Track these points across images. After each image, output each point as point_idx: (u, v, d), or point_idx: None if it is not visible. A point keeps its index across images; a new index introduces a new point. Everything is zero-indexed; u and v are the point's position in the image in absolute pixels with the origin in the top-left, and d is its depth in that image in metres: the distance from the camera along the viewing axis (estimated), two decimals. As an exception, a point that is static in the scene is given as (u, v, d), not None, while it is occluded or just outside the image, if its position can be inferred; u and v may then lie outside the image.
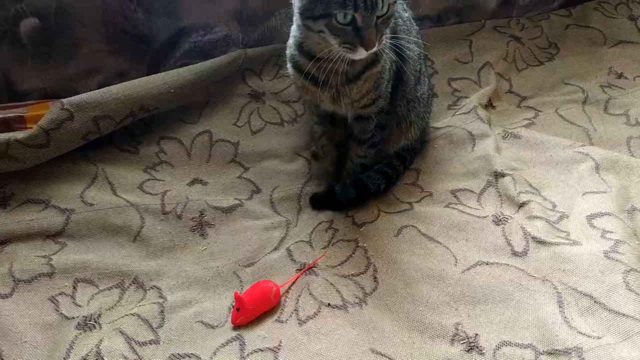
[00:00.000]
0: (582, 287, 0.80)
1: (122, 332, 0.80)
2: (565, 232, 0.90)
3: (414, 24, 1.04)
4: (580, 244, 0.86)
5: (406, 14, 0.99)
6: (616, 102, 1.21)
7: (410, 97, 1.01)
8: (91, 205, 0.97)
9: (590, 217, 0.91)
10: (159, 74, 1.11)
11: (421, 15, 1.33)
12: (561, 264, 0.84)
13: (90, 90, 1.07)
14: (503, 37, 1.36)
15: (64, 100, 1.00)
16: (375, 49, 0.79)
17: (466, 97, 1.23)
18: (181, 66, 1.17)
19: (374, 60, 0.88)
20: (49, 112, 0.99)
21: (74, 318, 0.83)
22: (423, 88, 1.05)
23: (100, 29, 1.12)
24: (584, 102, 1.21)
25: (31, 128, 1.00)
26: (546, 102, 1.23)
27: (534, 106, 1.22)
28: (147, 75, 1.13)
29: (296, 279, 0.88)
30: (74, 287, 0.87)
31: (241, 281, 0.91)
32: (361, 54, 0.79)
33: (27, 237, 0.92)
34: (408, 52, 0.93)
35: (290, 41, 0.92)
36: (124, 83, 1.06)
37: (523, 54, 1.33)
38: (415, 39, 1.00)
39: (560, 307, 0.79)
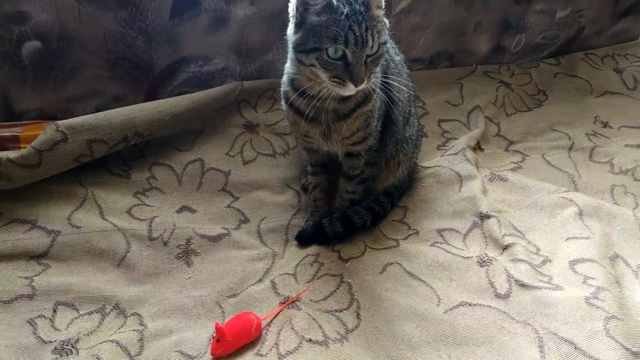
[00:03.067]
0: (563, 333, 0.80)
1: (99, 359, 0.78)
2: (548, 276, 0.91)
3: (405, 67, 1.07)
4: (562, 289, 0.87)
5: (398, 58, 1.02)
6: (601, 150, 1.24)
7: (399, 137, 1.03)
8: (78, 227, 0.97)
9: (573, 263, 0.92)
10: (155, 101, 1.13)
11: (414, 57, 1.37)
12: (543, 309, 0.84)
13: (87, 113, 1.09)
14: (493, 82, 1.40)
15: (59, 122, 1.01)
16: (363, 85, 0.81)
17: (455, 139, 1.25)
18: (178, 94, 1.19)
19: (365, 99, 0.90)
20: (43, 132, 1.00)
21: (51, 342, 0.81)
22: (412, 129, 1.07)
23: (102, 54, 1.14)
24: (570, 149, 1.24)
25: (25, 148, 1.01)
26: (533, 147, 1.26)
27: (521, 150, 1.25)
28: (144, 102, 1.15)
29: (278, 312, 0.88)
30: (54, 310, 0.86)
31: (223, 312, 0.90)
32: (350, 89, 0.82)
33: (10, 257, 0.92)
34: (397, 94, 0.96)
35: (284, 78, 0.94)
36: (119, 108, 1.08)
37: (512, 100, 1.37)
38: (406, 82, 1.03)
39: (541, 351, 0.79)
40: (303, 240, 1.02)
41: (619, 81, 1.42)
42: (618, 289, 0.87)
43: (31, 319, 0.84)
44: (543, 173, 1.18)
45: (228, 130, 1.20)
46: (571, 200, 1.05)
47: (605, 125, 1.31)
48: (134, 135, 1.07)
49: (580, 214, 1.02)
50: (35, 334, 0.82)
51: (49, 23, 1.07)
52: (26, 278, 0.89)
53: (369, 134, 0.94)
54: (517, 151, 1.25)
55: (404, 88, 0.99)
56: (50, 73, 1.13)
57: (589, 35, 1.51)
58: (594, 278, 0.88)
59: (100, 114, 1.05)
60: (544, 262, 0.94)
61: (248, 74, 1.26)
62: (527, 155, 1.23)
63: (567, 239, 0.98)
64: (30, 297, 0.87)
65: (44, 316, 0.85)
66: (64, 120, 1.02)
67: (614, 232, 0.98)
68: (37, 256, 0.92)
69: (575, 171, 1.18)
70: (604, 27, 1.51)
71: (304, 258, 0.98)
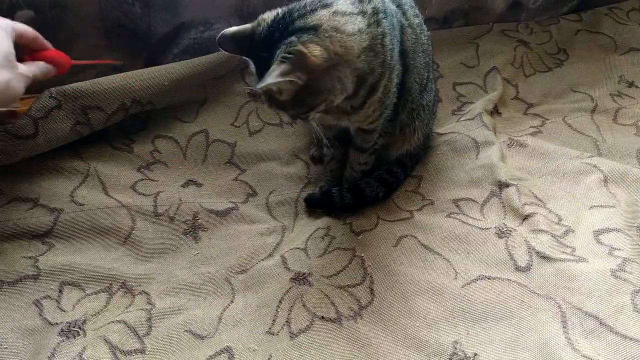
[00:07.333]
0: (587, 307, 0.77)
1: (106, 341, 0.77)
2: (570, 247, 0.87)
3: (425, 29, 0.98)
4: (587, 260, 0.83)
5: (417, 20, 0.94)
6: (626, 111, 1.17)
7: (414, 106, 0.96)
8: (81, 205, 0.94)
9: (598, 233, 0.87)
10: (152, 67, 1.07)
11: (428, 16, 1.29)
12: (566, 282, 0.80)
13: (85, 85, 1.04)
14: (511, 41, 1.32)
15: (52, 88, 0.97)
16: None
17: (471, 103, 1.19)
18: (179, 62, 1.14)
19: (374, 86, 0.81)
20: (37, 99, 0.96)
21: (57, 324, 0.79)
22: (429, 96, 1.00)
23: (97, 23, 1.08)
24: (593, 111, 1.18)
25: (22, 121, 0.97)
26: (553, 109, 1.19)
27: (540, 114, 1.19)
28: (142, 71, 1.10)
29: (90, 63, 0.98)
30: (60, 291, 0.84)
31: (233, 288, 0.87)
32: None
33: (13, 236, 0.89)
34: (412, 62, 0.89)
35: None
36: (115, 75, 1.03)
37: (531, 60, 1.30)
38: (424, 48, 0.95)
39: (564, 327, 0.76)
40: (311, 204, 0.99)
41: (646, 37, 1.34)
42: (645, 260, 0.83)
43: (37, 300, 0.82)
44: (564, 137, 1.12)
45: (232, 100, 1.15)
46: (595, 166, 0.99)
47: (631, 84, 1.24)
48: (132, 103, 1.02)
49: (605, 180, 0.96)
50: (41, 315, 0.80)
51: (40, -11, 1.01)
52: (30, 258, 0.87)
53: (386, 108, 0.88)
54: (537, 114, 1.18)
55: (420, 54, 0.93)
56: (46, 44, 1.08)
57: (613, -13, 1.42)
58: (620, 249, 0.83)
59: (94, 80, 1.01)
60: (567, 232, 0.90)
61: (251, 39, 1.20)
62: (547, 119, 1.17)
63: (591, 208, 0.93)
64: (35, 277, 0.84)
65: (49, 297, 0.83)
66: (57, 87, 0.97)
67: (640, 200, 0.93)
68: (41, 235, 0.90)
69: (598, 135, 1.12)
70: (630, -23, 1.42)
71: (314, 231, 0.94)
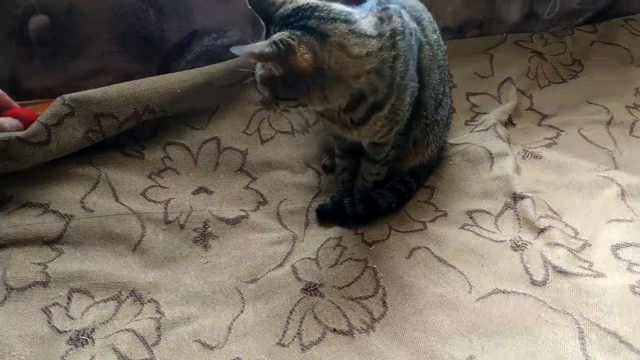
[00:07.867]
0: (606, 324, 0.75)
1: (115, 350, 0.76)
2: (588, 262, 0.85)
3: (442, 44, 0.97)
4: (605, 276, 0.81)
5: (434, 36, 0.93)
6: (643, 124, 1.15)
7: (428, 122, 0.95)
8: (91, 211, 0.93)
9: (616, 247, 0.85)
10: (165, 75, 1.07)
11: (442, 26, 1.28)
12: (583, 297, 0.78)
13: (97, 91, 1.04)
14: (525, 52, 1.31)
15: (65, 95, 0.97)
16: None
17: (485, 113, 1.18)
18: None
19: (378, 105, 0.80)
20: (50, 107, 0.96)
21: (66, 332, 0.78)
22: (444, 111, 0.99)
23: (111, 29, 1.09)
24: (609, 123, 1.16)
25: (34, 127, 0.97)
26: (568, 121, 1.18)
27: (555, 125, 1.17)
28: (156, 78, 1.10)
29: None
30: (69, 298, 0.83)
31: (243, 298, 0.86)
32: None
33: (23, 242, 0.88)
34: (427, 78, 0.88)
35: None
36: (127, 82, 1.03)
37: (545, 71, 1.29)
38: (440, 64, 0.93)
39: (582, 344, 0.74)
40: (322, 215, 0.98)
41: (662, 49, 1.32)
42: (666, 277, 0.81)
43: (45, 307, 0.81)
44: (579, 150, 1.10)
45: (244, 107, 1.14)
46: (612, 179, 0.97)
47: (647, 97, 1.23)
48: (144, 110, 1.02)
49: (623, 194, 0.95)
50: (49, 323, 0.79)
51: (55, -5, 1.02)
52: (39, 264, 0.86)
53: (397, 123, 0.86)
54: (552, 126, 1.17)
55: (436, 71, 0.92)
56: (59, 49, 1.08)
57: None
58: (639, 265, 0.81)
59: (108, 88, 1.01)
60: (584, 246, 0.88)
61: (264, 47, 1.20)
62: (562, 131, 1.15)
63: (608, 222, 0.91)
64: (44, 284, 0.84)
65: (58, 304, 0.82)
66: (70, 94, 0.97)
67: (659, 214, 0.91)
68: (51, 241, 0.89)
69: (614, 147, 1.10)
70: (646, -11, 1.41)
71: (326, 241, 0.93)
